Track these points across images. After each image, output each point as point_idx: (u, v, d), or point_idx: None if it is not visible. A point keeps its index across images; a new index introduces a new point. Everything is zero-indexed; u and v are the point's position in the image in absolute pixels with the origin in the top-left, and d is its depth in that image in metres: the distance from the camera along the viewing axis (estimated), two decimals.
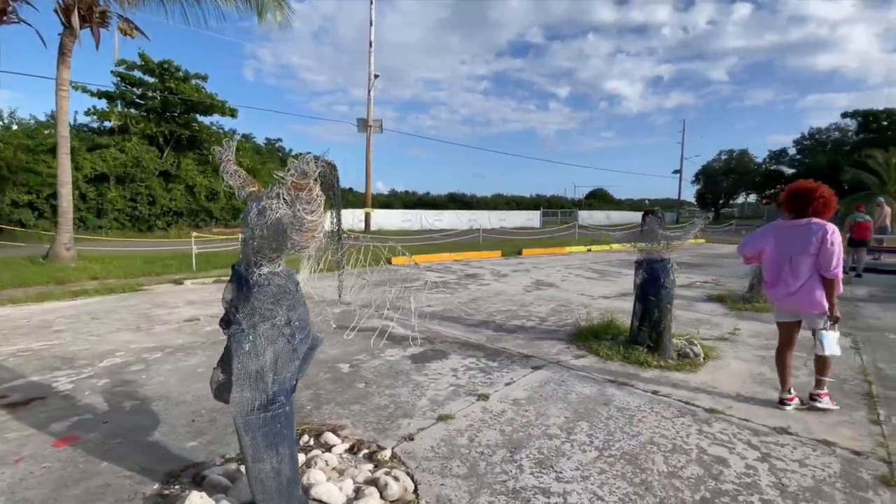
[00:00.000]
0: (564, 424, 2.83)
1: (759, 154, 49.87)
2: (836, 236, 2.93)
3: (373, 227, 25.17)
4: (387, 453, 2.43)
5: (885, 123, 29.49)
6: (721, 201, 52.92)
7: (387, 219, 27.93)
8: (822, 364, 3.09)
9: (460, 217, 31.10)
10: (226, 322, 1.82)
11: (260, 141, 31.50)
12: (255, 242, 1.72)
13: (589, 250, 15.00)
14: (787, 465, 2.41)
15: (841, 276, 2.97)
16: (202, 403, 3.02)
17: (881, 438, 2.70)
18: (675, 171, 47.89)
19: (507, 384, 3.46)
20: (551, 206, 44.94)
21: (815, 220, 3.02)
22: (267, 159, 27.26)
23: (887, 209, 12.46)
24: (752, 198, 50.10)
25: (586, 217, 38.73)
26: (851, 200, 23.41)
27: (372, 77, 22.99)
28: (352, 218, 27.50)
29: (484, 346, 4.42)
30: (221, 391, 1.96)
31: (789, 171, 37.40)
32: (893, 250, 13.04)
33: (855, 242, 9.88)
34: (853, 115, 32.07)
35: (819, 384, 3.13)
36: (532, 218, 35.08)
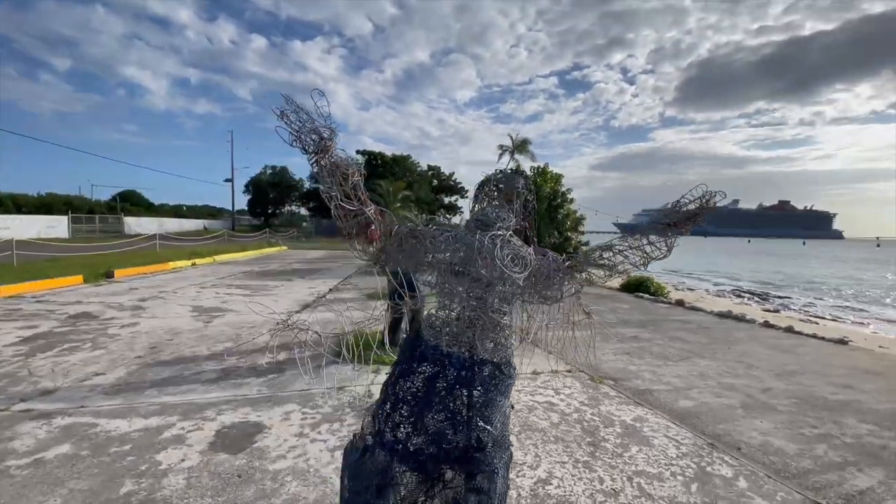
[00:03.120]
0: None
1: (298, 172, 58.78)
2: None
3: None
4: None
5: (379, 162, 42.87)
6: (270, 210, 58.33)
7: None
8: None
9: None
10: (450, 456, 0.95)
11: None
12: (517, 297, 1.05)
13: (194, 264, 13.12)
14: (571, 392, 3.80)
15: None
16: None
17: (559, 363, 4.69)
18: (227, 180, 48.53)
19: None
20: (75, 209, 34.02)
21: None
22: None
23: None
24: (301, 209, 58.59)
25: (134, 225, 32.40)
26: None
27: None
28: None
29: (278, 397, 3.55)
30: None
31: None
32: None
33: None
34: (362, 153, 44.58)
35: None
36: (55, 225, 25.36)
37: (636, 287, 10.99)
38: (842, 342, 6.24)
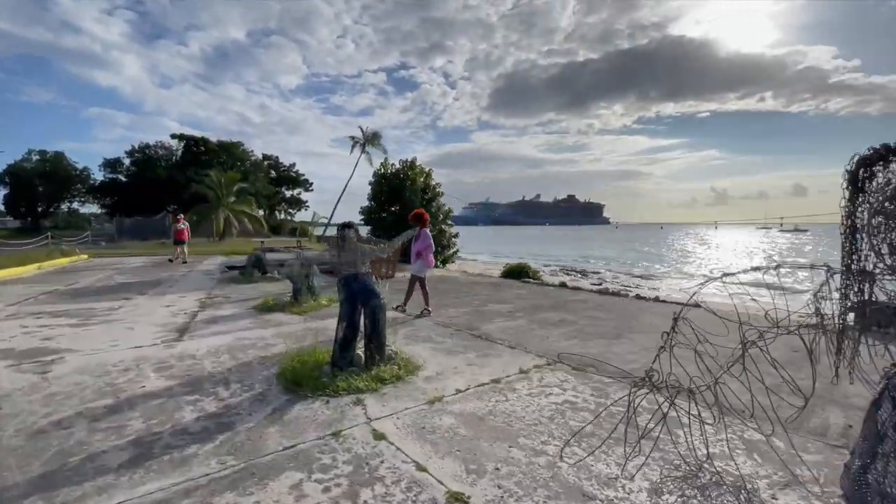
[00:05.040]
0: (488, 447, 2.69)
1: (83, 159, 46.26)
2: (429, 236, 6.59)
3: None
4: None
5: (203, 149, 36.56)
6: (41, 209, 44.57)
7: None
8: (427, 295, 6.44)
9: None
10: None
11: None
12: None
13: None
14: (574, 385, 3.76)
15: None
16: None
17: (534, 357, 4.65)
18: None
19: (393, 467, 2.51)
20: None
21: (425, 228, 6.59)
22: None
23: (183, 226, 15.05)
24: (88, 206, 45.89)
25: None
26: (193, 211, 27.65)
27: None
28: None
29: (261, 466, 2.57)
30: None
31: (125, 180, 37.59)
32: (283, 249, 16.95)
33: (176, 241, 14.89)
34: (179, 137, 37.17)
35: (427, 304, 6.52)
36: None
37: (518, 273, 11.85)
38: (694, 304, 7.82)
